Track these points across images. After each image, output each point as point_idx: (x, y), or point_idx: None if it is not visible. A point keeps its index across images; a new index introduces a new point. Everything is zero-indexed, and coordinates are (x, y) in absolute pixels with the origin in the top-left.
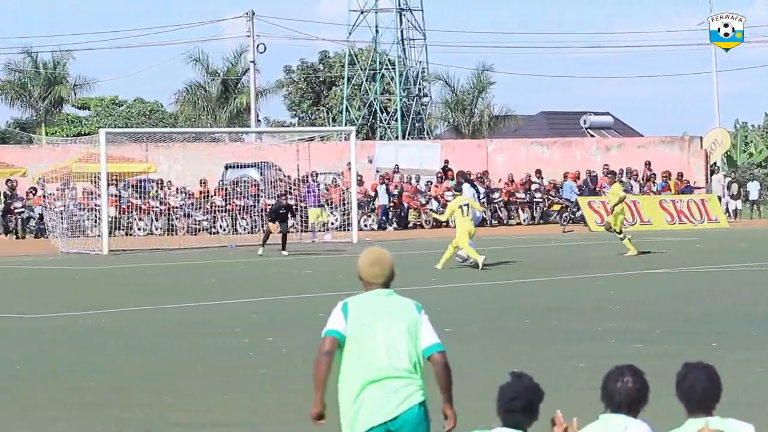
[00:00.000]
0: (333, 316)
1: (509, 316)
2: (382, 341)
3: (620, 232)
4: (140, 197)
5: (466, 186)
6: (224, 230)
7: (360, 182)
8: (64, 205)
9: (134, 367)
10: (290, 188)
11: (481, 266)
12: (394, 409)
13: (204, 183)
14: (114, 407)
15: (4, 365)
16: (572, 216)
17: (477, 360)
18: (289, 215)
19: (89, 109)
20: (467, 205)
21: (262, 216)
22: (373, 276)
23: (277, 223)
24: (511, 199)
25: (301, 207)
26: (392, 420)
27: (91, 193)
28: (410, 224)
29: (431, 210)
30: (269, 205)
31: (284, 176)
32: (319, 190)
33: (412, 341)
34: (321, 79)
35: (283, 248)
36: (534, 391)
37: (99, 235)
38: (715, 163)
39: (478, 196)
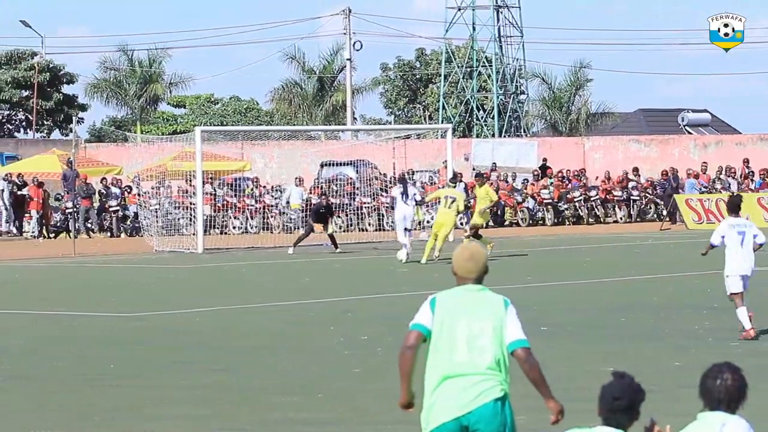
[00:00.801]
0: (420, 311)
1: (605, 314)
2: (463, 338)
3: (477, 231)
4: (235, 195)
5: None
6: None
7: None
8: (159, 204)
9: (227, 366)
10: (386, 186)
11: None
12: (467, 405)
13: (300, 181)
14: (208, 405)
15: (99, 363)
16: None
17: (573, 359)
18: (328, 215)
19: (185, 107)
20: (454, 199)
21: (358, 214)
22: (466, 271)
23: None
24: (608, 197)
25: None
26: (466, 415)
27: (186, 192)
28: (506, 222)
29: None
30: (365, 203)
31: (380, 174)
32: (415, 188)
33: (496, 338)
34: (417, 76)
35: (335, 247)
36: (637, 392)
37: (194, 234)
38: None
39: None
